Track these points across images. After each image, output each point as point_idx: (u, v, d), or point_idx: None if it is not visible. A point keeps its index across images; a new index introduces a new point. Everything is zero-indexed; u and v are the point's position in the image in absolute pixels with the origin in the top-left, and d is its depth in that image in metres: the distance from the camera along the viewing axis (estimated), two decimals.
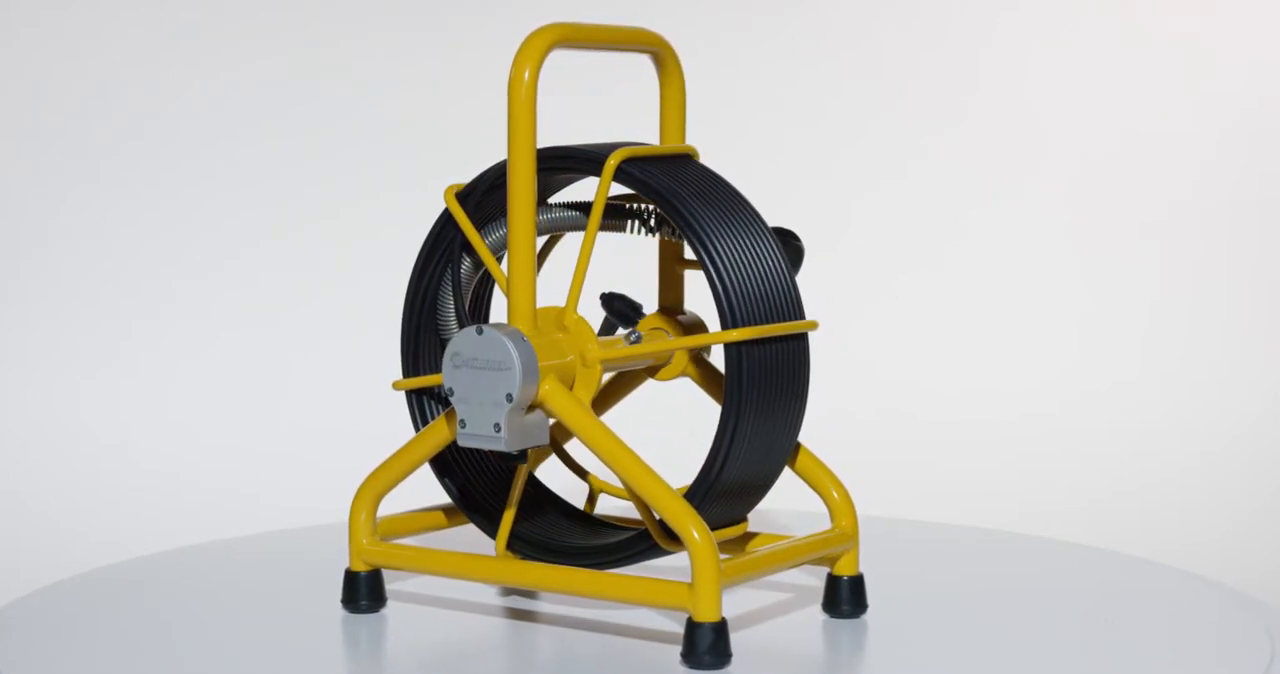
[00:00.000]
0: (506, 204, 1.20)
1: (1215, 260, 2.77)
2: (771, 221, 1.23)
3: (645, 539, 1.18)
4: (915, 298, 2.73)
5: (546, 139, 1.22)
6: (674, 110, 1.26)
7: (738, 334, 1.13)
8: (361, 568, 1.27)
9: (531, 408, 1.18)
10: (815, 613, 1.28)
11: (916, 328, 2.71)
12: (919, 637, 1.23)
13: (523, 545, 1.24)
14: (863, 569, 1.39)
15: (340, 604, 1.28)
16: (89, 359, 2.58)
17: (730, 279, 1.15)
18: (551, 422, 1.20)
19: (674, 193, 1.17)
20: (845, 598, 1.23)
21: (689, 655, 1.11)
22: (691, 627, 1.11)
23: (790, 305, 1.17)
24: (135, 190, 2.65)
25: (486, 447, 1.17)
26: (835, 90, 2.78)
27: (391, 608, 1.29)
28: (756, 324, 1.14)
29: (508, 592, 1.32)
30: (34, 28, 2.66)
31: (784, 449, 1.17)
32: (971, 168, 2.79)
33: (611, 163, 1.18)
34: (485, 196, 1.24)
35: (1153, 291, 2.75)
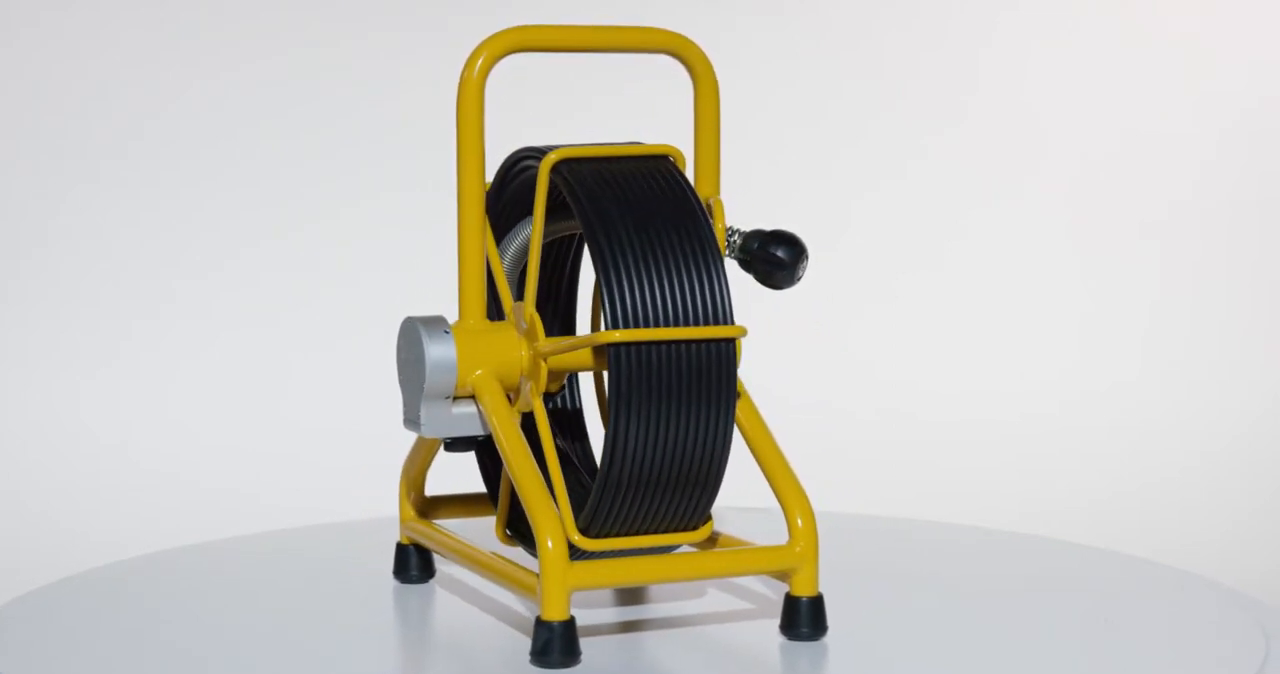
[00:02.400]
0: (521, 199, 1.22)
1: (1215, 260, 2.78)
2: (771, 222, 1.22)
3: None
4: (915, 298, 2.73)
5: (579, 138, 1.23)
6: (702, 109, 1.25)
7: (620, 335, 1.12)
8: (406, 541, 1.34)
9: (464, 399, 1.21)
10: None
11: (916, 328, 2.72)
12: (917, 635, 1.23)
13: (514, 532, 1.26)
14: (862, 568, 1.39)
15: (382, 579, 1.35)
16: (89, 359, 2.58)
17: (617, 281, 1.14)
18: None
19: (587, 192, 1.16)
20: (803, 620, 1.18)
21: (532, 652, 1.13)
22: (535, 624, 1.13)
23: (706, 313, 1.15)
24: (135, 190, 2.65)
25: (414, 432, 1.21)
26: (835, 90, 2.79)
27: (417, 592, 1.32)
28: (642, 327, 1.13)
29: None
30: (34, 28, 2.66)
31: (702, 453, 1.15)
32: (971, 168, 2.79)
33: (547, 162, 1.18)
34: (503, 193, 1.25)
35: (1153, 291, 2.76)
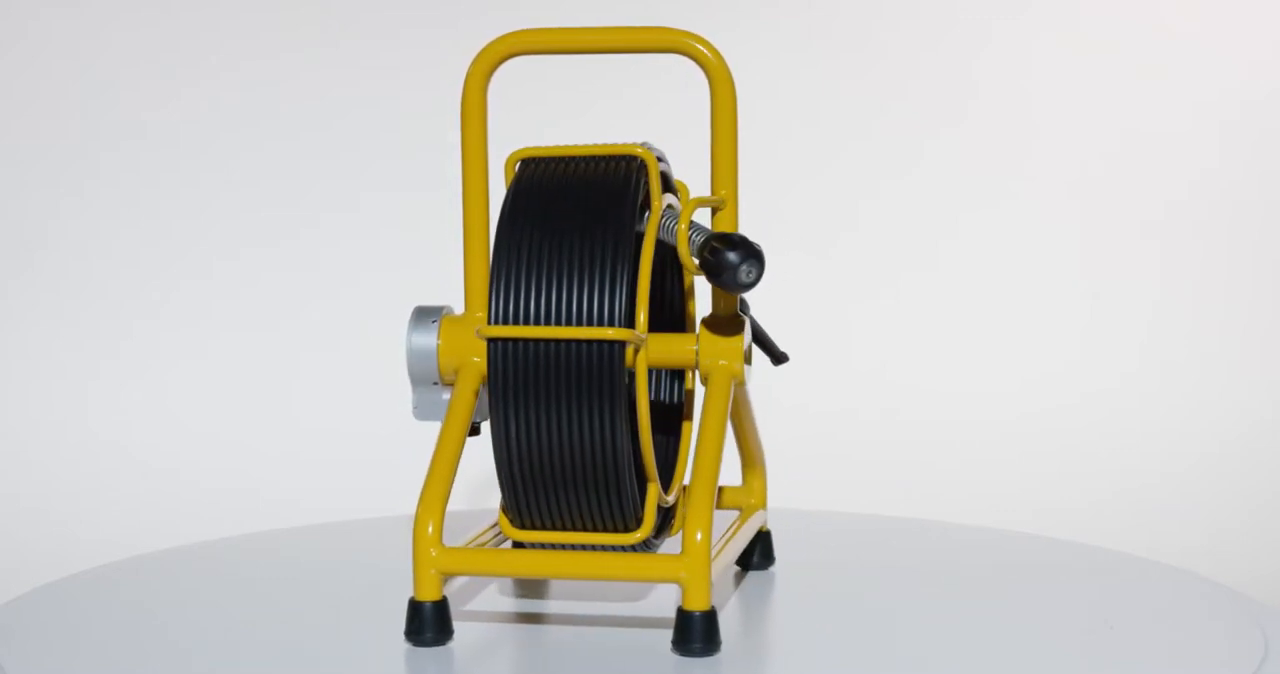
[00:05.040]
0: None
1: (1216, 260, 2.78)
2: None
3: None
4: (917, 298, 2.73)
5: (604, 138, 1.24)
6: (718, 108, 1.25)
7: (496, 330, 1.15)
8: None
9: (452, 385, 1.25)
10: (803, 600, 1.29)
11: (917, 327, 2.72)
12: (916, 634, 1.23)
13: None
14: (862, 566, 1.39)
15: None
16: (89, 359, 2.58)
17: (506, 277, 1.16)
18: None
19: (517, 190, 1.19)
20: (695, 635, 1.15)
21: (404, 631, 1.18)
22: (408, 603, 1.18)
23: (595, 314, 1.15)
24: (135, 191, 2.65)
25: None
26: (835, 90, 2.79)
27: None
28: (521, 325, 1.15)
29: None
30: (34, 27, 2.66)
31: (591, 454, 1.15)
32: (971, 168, 2.79)
33: (510, 160, 1.22)
34: None
35: (1153, 291, 2.76)
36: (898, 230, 2.76)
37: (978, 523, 1.65)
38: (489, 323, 1.16)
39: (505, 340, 1.15)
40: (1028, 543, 1.55)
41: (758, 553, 1.38)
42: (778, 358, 1.35)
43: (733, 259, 1.16)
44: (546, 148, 1.22)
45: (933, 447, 2.59)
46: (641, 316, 1.16)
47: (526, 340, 1.15)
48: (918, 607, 1.30)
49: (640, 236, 1.19)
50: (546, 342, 1.15)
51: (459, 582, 1.35)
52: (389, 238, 2.66)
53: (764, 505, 1.38)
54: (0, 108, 2.66)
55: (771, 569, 1.38)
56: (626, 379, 1.16)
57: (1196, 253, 2.78)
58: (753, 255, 1.16)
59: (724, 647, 1.14)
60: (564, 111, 2.64)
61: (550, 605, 1.29)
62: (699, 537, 1.14)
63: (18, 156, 2.64)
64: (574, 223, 1.17)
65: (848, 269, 2.72)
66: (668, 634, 1.15)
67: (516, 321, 1.15)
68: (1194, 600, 1.35)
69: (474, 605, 1.29)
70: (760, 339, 1.33)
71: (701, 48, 1.23)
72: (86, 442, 2.51)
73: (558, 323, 1.15)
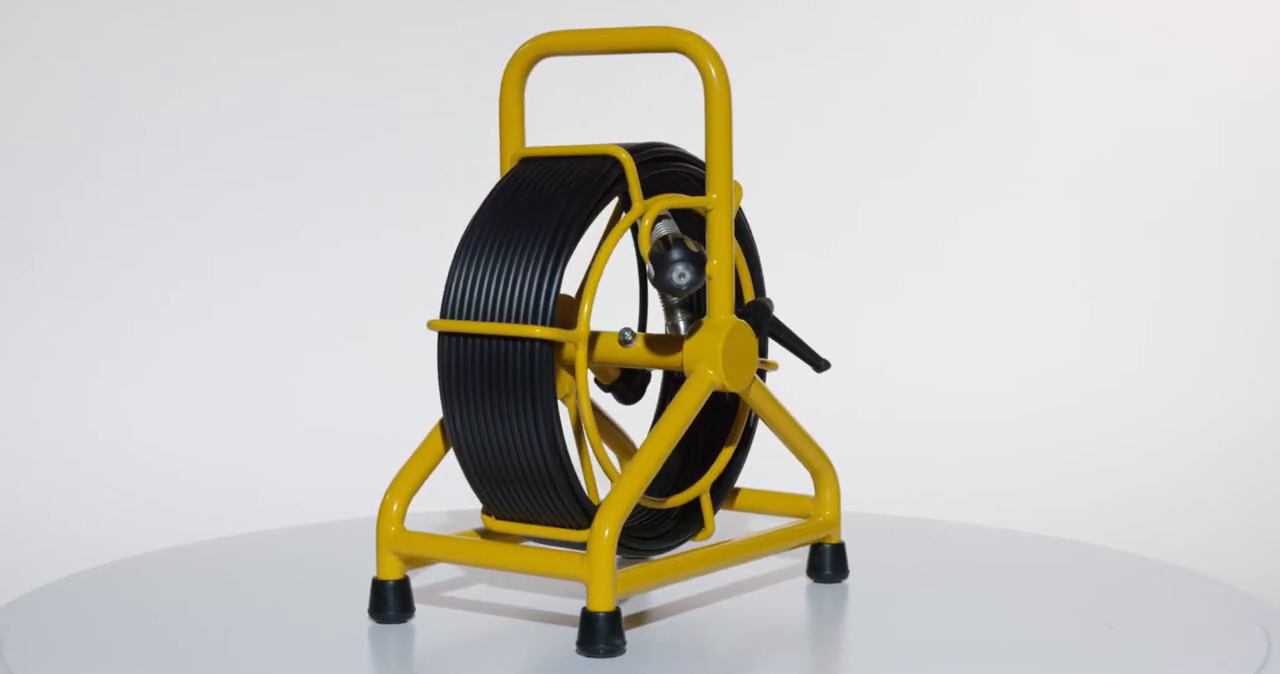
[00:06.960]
0: None
1: (1215, 260, 2.78)
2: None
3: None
4: (917, 298, 2.73)
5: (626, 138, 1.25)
6: (711, 107, 1.25)
7: (437, 324, 1.18)
8: None
9: None
10: (802, 599, 1.29)
11: (917, 328, 2.72)
12: (916, 634, 1.23)
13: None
14: (861, 565, 1.39)
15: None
16: (90, 359, 2.58)
17: (455, 273, 1.18)
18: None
19: (496, 189, 1.21)
20: (598, 636, 1.14)
21: (368, 609, 1.23)
22: (371, 582, 1.23)
23: (524, 312, 1.15)
24: (135, 191, 2.65)
25: None
26: (835, 90, 2.79)
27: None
28: (460, 320, 1.17)
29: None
30: (34, 27, 2.66)
31: (519, 451, 1.16)
32: (971, 168, 2.79)
33: (512, 158, 1.24)
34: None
35: (1153, 291, 2.76)
36: (898, 230, 2.76)
37: (978, 523, 1.65)
38: (439, 317, 1.18)
39: (447, 334, 1.17)
40: (1028, 543, 1.55)
41: (829, 565, 1.35)
42: (817, 365, 1.33)
43: (669, 259, 1.17)
44: (544, 147, 1.23)
45: (933, 447, 2.59)
46: (585, 309, 1.17)
47: (464, 335, 1.17)
48: (917, 606, 1.30)
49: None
50: (481, 337, 1.16)
51: (460, 573, 1.35)
52: (389, 238, 2.66)
53: (834, 517, 1.36)
54: (0, 108, 2.66)
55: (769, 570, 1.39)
56: (556, 377, 1.16)
57: (1196, 253, 2.78)
58: (688, 259, 1.17)
59: (717, 645, 1.14)
60: (590, 111, 2.64)
61: (552, 602, 1.29)
62: (606, 534, 1.12)
63: (18, 156, 2.64)
64: (524, 220, 1.18)
65: (848, 269, 2.72)
66: (636, 632, 1.16)
67: (460, 316, 1.17)
68: (1194, 600, 1.35)
69: (464, 596, 1.29)
70: (792, 346, 1.32)
71: (695, 44, 1.24)
72: (86, 442, 2.51)
73: (494, 319, 1.17)
